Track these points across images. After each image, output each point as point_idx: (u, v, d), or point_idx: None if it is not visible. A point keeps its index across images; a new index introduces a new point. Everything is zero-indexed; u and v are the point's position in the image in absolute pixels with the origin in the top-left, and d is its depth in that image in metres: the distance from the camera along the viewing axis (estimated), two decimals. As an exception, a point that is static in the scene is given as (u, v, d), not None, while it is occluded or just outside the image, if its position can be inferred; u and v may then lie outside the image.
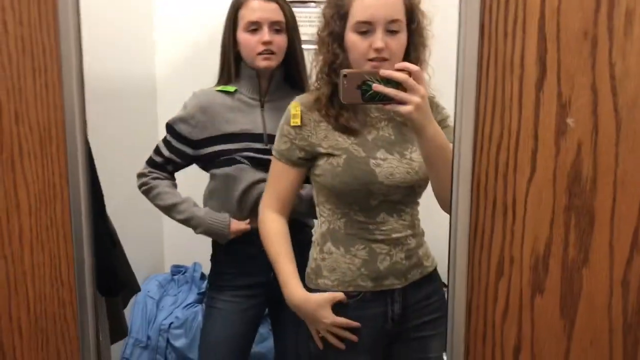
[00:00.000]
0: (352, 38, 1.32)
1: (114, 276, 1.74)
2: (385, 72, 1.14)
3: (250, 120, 1.62)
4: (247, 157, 1.61)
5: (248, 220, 1.65)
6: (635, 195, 1.01)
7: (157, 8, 2.55)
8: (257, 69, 1.60)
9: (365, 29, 1.30)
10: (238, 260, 1.69)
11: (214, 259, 1.77)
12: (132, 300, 2.15)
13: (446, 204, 1.30)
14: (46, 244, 1.07)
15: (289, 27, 1.61)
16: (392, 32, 1.30)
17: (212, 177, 1.70)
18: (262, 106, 1.64)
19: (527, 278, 1.04)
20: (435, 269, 1.48)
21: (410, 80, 1.14)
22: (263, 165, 1.57)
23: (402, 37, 1.32)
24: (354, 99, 1.16)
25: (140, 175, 1.71)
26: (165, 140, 1.68)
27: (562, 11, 0.98)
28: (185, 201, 1.68)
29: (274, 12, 1.58)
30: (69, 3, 0.98)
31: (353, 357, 1.39)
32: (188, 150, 1.66)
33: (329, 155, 1.36)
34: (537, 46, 0.99)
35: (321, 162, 1.37)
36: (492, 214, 1.02)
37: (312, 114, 1.38)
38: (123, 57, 2.27)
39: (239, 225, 1.64)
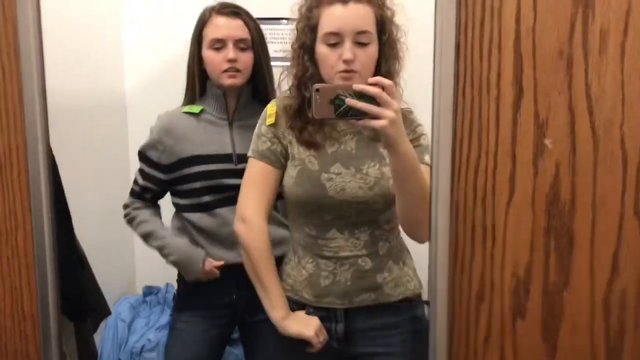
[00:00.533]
0: (321, 50, 1.30)
1: (82, 300, 1.68)
2: (358, 86, 1.11)
3: (218, 140, 1.60)
4: (214, 188, 1.58)
5: (222, 263, 1.60)
6: (614, 216, 0.99)
7: (126, 24, 2.50)
8: (223, 87, 1.58)
9: (334, 40, 1.28)
10: (199, 281, 1.65)
11: (178, 278, 1.73)
12: (102, 324, 2.09)
13: (410, 227, 1.28)
14: (7, 276, 1.01)
15: (255, 44, 1.58)
16: (361, 44, 1.28)
17: (179, 216, 1.68)
18: (230, 125, 1.62)
19: (509, 302, 1.02)
20: (409, 301, 1.39)
21: (384, 95, 1.11)
22: (235, 190, 1.49)
23: (372, 49, 1.30)
24: (326, 115, 1.13)
25: (124, 207, 1.69)
26: (139, 169, 1.66)
27: (537, 31, 0.97)
28: (162, 229, 1.65)
29: (239, 30, 1.56)
30: (30, 24, 0.94)
31: None
32: (160, 175, 1.64)
33: (290, 163, 1.35)
34: (513, 66, 0.98)
35: (285, 169, 1.36)
36: (472, 238, 1.00)
37: (285, 118, 1.37)
38: (92, 74, 2.21)
39: (212, 269, 1.60)
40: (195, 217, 1.63)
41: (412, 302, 1.39)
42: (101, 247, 1.97)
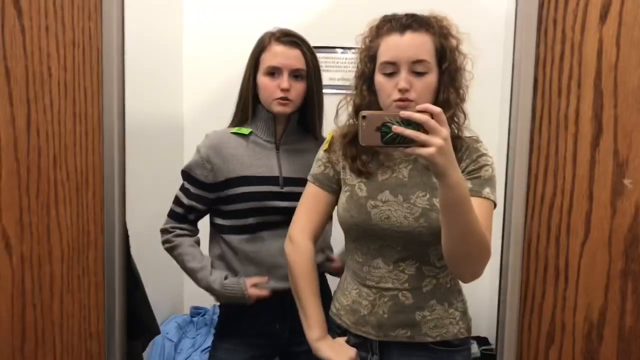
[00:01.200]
0: (379, 79, 1.30)
1: (135, 319, 1.69)
2: (405, 113, 1.09)
3: (265, 163, 1.59)
4: (259, 210, 1.56)
5: (267, 279, 1.60)
6: (696, 261, 0.95)
7: (185, 47, 2.56)
8: (273, 112, 1.58)
9: (391, 70, 1.27)
10: (242, 308, 1.63)
11: (220, 304, 1.71)
12: (150, 344, 2.10)
13: (452, 262, 1.23)
14: (77, 293, 1.03)
15: (310, 74, 1.57)
16: (418, 73, 1.27)
17: (219, 241, 1.65)
18: (277, 149, 1.61)
19: (580, 347, 0.98)
20: (449, 344, 1.30)
21: (432, 122, 1.09)
22: (280, 213, 1.52)
23: (430, 79, 1.28)
24: (372, 142, 1.12)
25: (164, 232, 1.66)
26: (183, 188, 1.63)
27: (619, 67, 0.94)
28: (203, 268, 1.62)
29: (296, 60, 1.56)
30: (114, 49, 0.96)
31: None
32: (207, 194, 1.61)
33: (342, 189, 1.35)
34: (592, 103, 0.95)
35: (339, 193, 1.37)
36: (544, 277, 0.97)
37: (340, 145, 1.37)
38: (152, 96, 2.27)
39: (258, 292, 1.59)
40: (237, 239, 1.60)
41: (452, 347, 1.34)
42: (152, 266, 1.99)
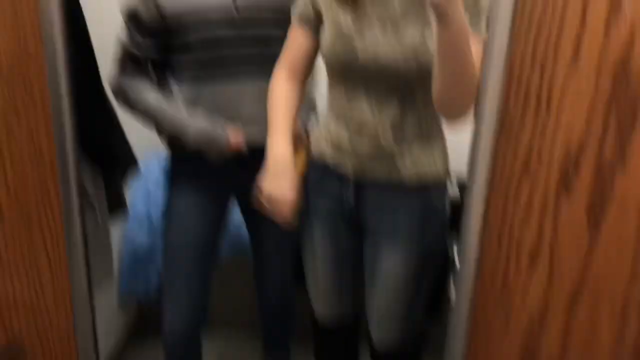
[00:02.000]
0: None
1: (111, 151, 1.67)
2: None
3: None
4: (213, 42, 1.40)
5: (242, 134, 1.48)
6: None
7: None
8: None
9: None
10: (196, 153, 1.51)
11: (169, 147, 1.60)
12: (132, 182, 2.10)
13: (442, 104, 1.16)
14: (23, 116, 0.96)
15: None
16: None
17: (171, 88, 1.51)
18: None
19: (555, 177, 0.94)
20: (424, 186, 1.32)
21: None
22: (234, 45, 1.39)
23: None
24: None
25: (116, 93, 1.49)
26: (126, 30, 1.45)
27: None
28: (174, 107, 1.47)
29: None
30: None
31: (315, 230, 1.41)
32: (156, 39, 1.44)
33: (325, 22, 1.29)
34: None
35: (322, 29, 1.31)
36: (524, 104, 0.91)
37: None
38: None
39: (237, 139, 1.46)
40: (186, 80, 1.47)
41: (428, 189, 1.32)
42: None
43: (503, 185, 0.95)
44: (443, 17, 0.99)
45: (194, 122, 1.45)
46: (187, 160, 1.53)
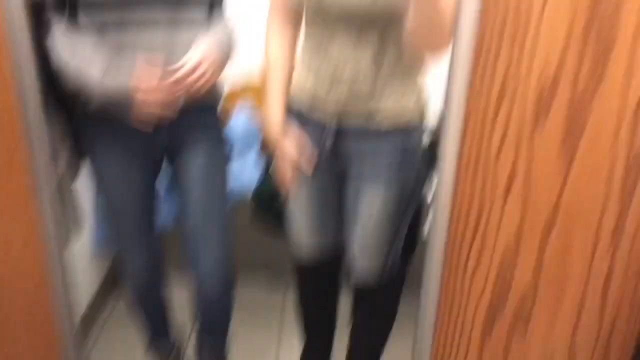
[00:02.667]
0: None
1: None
2: None
3: None
4: None
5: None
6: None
7: None
8: None
9: None
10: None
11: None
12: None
13: (415, 43, 1.14)
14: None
15: None
16: None
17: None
18: None
19: (531, 106, 0.94)
20: (401, 131, 1.31)
21: None
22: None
23: None
24: None
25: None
26: None
27: None
28: (78, 55, 1.24)
29: None
30: None
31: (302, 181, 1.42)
32: None
33: None
34: None
35: None
36: (500, 32, 0.90)
37: None
38: None
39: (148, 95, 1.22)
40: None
41: (405, 133, 1.31)
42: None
43: (478, 117, 0.95)
44: None
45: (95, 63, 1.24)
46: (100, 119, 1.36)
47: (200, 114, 1.41)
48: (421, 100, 1.32)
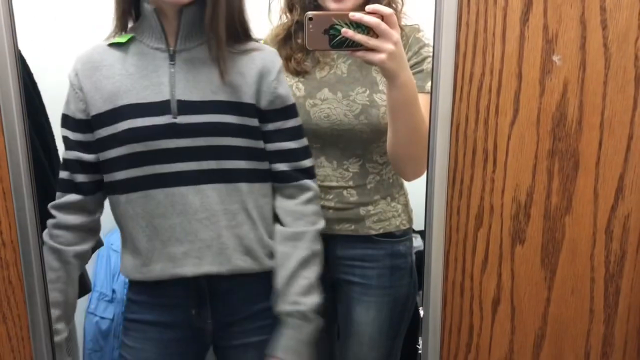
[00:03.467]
0: None
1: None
2: (354, 15, 1.03)
3: (151, 82, 1.11)
4: (146, 155, 1.11)
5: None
6: (622, 137, 0.94)
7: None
8: (156, 3, 1.10)
9: None
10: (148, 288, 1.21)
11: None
12: (95, 255, 2.07)
13: (397, 162, 1.22)
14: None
15: None
16: None
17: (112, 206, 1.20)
18: (171, 59, 1.11)
19: (508, 227, 0.98)
20: (391, 236, 1.35)
21: (383, 25, 1.03)
22: (174, 158, 1.10)
23: None
24: (320, 46, 1.06)
25: (50, 222, 1.17)
26: (63, 139, 1.17)
27: None
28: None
29: None
30: None
31: None
32: (90, 137, 1.15)
33: None
34: (522, -25, 0.90)
35: None
36: (472, 160, 0.95)
37: (273, 46, 1.29)
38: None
39: None
40: (121, 202, 1.15)
41: (395, 238, 1.36)
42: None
43: (460, 239, 0.98)
44: (392, 77, 1.06)
45: None
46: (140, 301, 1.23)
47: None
48: (407, 206, 1.37)
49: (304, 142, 1.19)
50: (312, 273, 1.16)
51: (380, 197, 1.34)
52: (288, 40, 1.29)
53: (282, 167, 1.16)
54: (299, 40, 1.28)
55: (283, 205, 1.18)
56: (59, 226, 1.16)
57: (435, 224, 0.95)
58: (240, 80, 1.12)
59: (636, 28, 0.90)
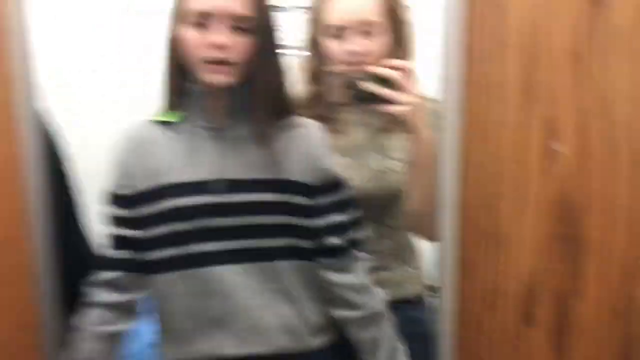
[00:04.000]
0: (326, 43, 1.27)
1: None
2: (374, 69, 1.07)
3: (199, 161, 1.12)
4: (196, 234, 1.11)
5: None
6: (627, 220, 0.96)
7: None
8: (205, 84, 1.10)
9: (339, 33, 1.25)
10: None
11: None
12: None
13: (417, 222, 1.23)
14: (6, 285, 0.99)
15: (260, 25, 1.08)
16: (366, 33, 1.24)
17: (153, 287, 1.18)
18: (218, 138, 1.13)
19: (517, 310, 0.99)
20: (407, 302, 1.34)
21: (402, 78, 1.07)
22: (222, 236, 1.10)
23: (381, 40, 1.26)
24: (340, 99, 1.09)
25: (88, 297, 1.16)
26: (106, 218, 1.17)
27: (544, 28, 0.93)
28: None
29: (238, 2, 1.06)
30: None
31: None
32: (135, 213, 1.15)
33: None
34: (519, 65, 0.94)
35: None
36: (480, 244, 0.97)
37: None
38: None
39: None
40: (165, 283, 1.13)
41: (410, 304, 1.36)
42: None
43: (471, 322, 1.00)
44: (413, 131, 1.09)
45: None
46: None
47: None
48: (422, 271, 1.38)
49: (355, 213, 1.19)
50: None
51: (394, 262, 1.35)
52: (307, 108, 1.32)
53: (334, 241, 1.16)
54: (318, 109, 1.32)
55: (341, 280, 1.16)
56: (96, 304, 1.15)
57: (445, 308, 0.97)
58: (285, 157, 1.12)
59: (638, 115, 0.93)
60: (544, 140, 0.95)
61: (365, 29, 1.22)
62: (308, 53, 1.32)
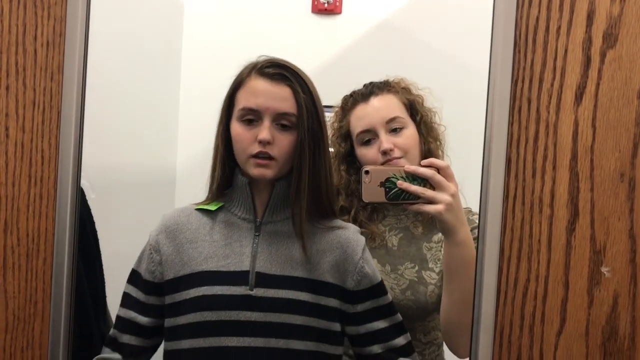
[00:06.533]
0: (360, 152, 1.29)
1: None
2: (410, 167, 1.05)
3: (235, 251, 1.12)
4: (222, 325, 1.08)
5: None
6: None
7: (182, 99, 2.56)
8: (249, 176, 1.13)
9: (369, 137, 1.27)
10: None
11: None
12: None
13: (452, 333, 1.17)
14: (19, 366, 0.97)
15: (302, 121, 1.09)
16: (395, 130, 1.25)
17: None
18: (257, 230, 1.13)
19: None
20: None
21: (438, 176, 1.05)
22: (247, 331, 1.06)
23: (409, 132, 1.28)
24: (376, 198, 1.07)
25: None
26: (123, 296, 1.16)
27: (595, 150, 0.90)
28: None
29: (282, 101, 1.08)
30: (73, 110, 0.94)
31: None
32: (152, 300, 1.14)
33: None
34: (568, 186, 0.91)
35: None
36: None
37: None
38: (145, 149, 2.25)
39: None
40: None
41: None
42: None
43: None
44: (450, 232, 1.05)
45: None
46: None
47: None
48: None
49: (395, 319, 1.14)
50: None
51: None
52: (342, 212, 1.31)
53: (375, 349, 1.11)
54: (354, 212, 1.31)
55: None
56: None
57: None
58: (321, 257, 1.10)
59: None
60: (591, 263, 0.90)
61: (393, 126, 1.24)
62: (340, 166, 1.33)
